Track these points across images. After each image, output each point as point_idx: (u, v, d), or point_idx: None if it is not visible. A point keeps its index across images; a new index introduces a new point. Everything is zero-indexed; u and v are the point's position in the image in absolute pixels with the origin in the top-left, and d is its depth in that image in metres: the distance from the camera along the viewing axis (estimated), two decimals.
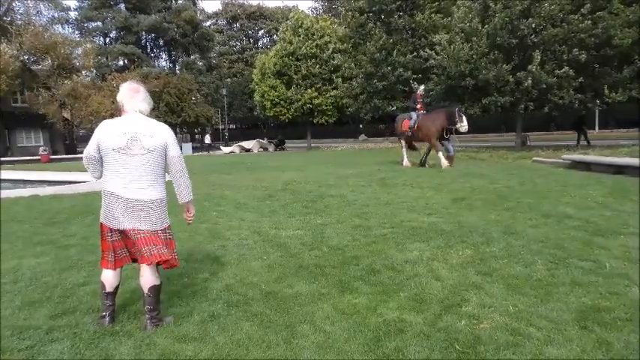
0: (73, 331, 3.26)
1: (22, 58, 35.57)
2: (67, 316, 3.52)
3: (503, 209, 6.73)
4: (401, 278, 4.09)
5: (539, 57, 17.72)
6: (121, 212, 3.21)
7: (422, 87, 15.60)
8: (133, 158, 3.18)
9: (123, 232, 3.28)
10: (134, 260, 3.43)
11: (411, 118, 13.84)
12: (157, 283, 3.33)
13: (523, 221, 5.94)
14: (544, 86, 17.81)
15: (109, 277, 3.36)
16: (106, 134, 3.20)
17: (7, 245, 5.74)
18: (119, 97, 3.35)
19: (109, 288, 3.37)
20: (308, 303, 3.62)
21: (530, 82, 17.68)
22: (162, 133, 3.29)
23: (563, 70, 17.41)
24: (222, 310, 3.55)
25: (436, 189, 8.88)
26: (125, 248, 3.38)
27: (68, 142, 43.85)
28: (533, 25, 17.92)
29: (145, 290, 3.29)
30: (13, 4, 38.79)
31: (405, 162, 14.24)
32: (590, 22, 16.82)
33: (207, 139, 43.47)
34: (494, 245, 4.91)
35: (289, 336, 3.08)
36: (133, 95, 3.32)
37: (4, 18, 37.90)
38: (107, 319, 3.33)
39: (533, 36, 17.96)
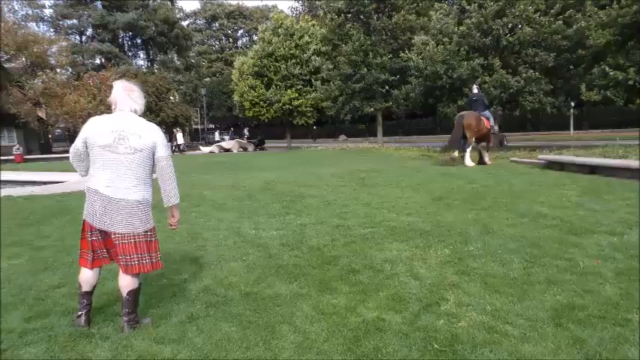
0: (48, 334, 3.20)
1: None
2: (42, 318, 3.46)
3: (480, 209, 6.81)
4: (380, 278, 4.11)
5: (499, 63, 17.97)
6: (100, 210, 3.16)
7: (475, 85, 15.69)
8: (118, 157, 3.14)
9: (104, 233, 3.23)
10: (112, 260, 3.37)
11: (489, 118, 13.80)
12: (136, 286, 3.29)
13: (500, 220, 6.03)
14: (512, 90, 18.07)
15: (87, 276, 3.32)
16: (93, 130, 3.17)
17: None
18: (112, 95, 3.33)
19: (86, 287, 3.32)
20: (287, 303, 3.61)
21: (494, 90, 17.94)
22: (152, 134, 3.26)
23: (529, 73, 17.66)
24: (201, 311, 3.53)
25: (415, 189, 8.94)
26: (105, 249, 3.31)
27: (43, 141, 43.03)
28: (510, 25, 18.18)
29: (124, 293, 3.25)
30: None
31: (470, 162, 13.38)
32: (561, 22, 17.11)
33: (180, 139, 41.52)
34: (472, 244, 4.97)
35: (268, 336, 3.07)
36: (126, 94, 3.30)
37: None
38: (83, 318, 3.28)
39: (508, 36, 18.20)
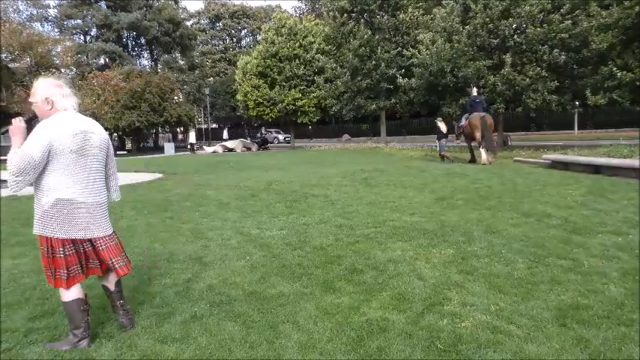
0: (52, 333, 3.22)
1: None
2: (46, 318, 3.47)
3: (484, 208, 6.80)
4: (384, 278, 4.10)
5: (510, 60, 17.94)
6: (86, 220, 2.98)
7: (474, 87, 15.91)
8: (87, 159, 2.98)
9: (89, 243, 3.05)
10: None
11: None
12: (120, 275, 3.20)
13: (504, 220, 6.01)
14: (518, 88, 18.03)
15: (80, 291, 3.07)
16: (58, 135, 2.85)
17: None
18: (45, 94, 2.97)
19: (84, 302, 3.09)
20: (291, 303, 3.61)
21: (500, 85, 17.91)
22: (102, 130, 3.16)
23: (536, 71, 17.63)
24: (205, 310, 3.53)
25: (418, 189, 8.93)
26: (91, 259, 3.11)
27: None
28: (514, 26, 18.15)
29: (113, 288, 3.21)
30: None
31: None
32: (570, 22, 17.08)
33: (192, 138, 42.23)
34: (476, 244, 4.96)
35: (272, 336, 3.07)
36: (62, 91, 3.02)
37: None
38: (88, 339, 3.07)
39: (515, 36, 18.16)
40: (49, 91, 2.99)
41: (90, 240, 3.03)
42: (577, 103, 19.89)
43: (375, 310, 3.42)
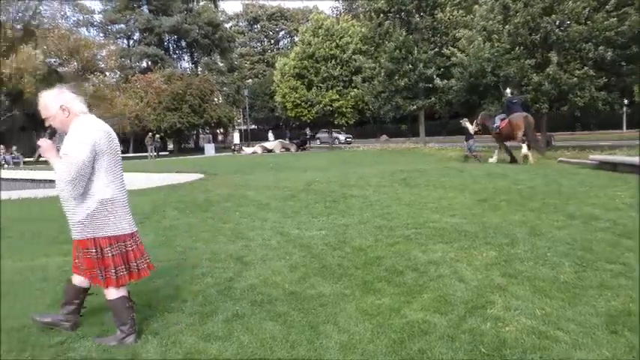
0: (100, 329, 3.31)
1: (48, 60, 36.37)
2: (95, 314, 3.57)
3: (527, 210, 6.64)
4: (424, 279, 4.06)
5: (555, 59, 17.43)
6: (125, 214, 3.12)
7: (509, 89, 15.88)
8: (116, 157, 3.11)
9: (132, 236, 3.17)
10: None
11: None
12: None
13: (548, 222, 5.85)
14: (564, 87, 17.51)
15: (124, 288, 3.16)
16: (97, 136, 2.96)
17: (35, 243, 5.86)
18: (58, 103, 3.02)
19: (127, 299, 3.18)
20: (331, 303, 3.62)
21: (546, 85, 17.44)
22: None
23: (583, 70, 17.06)
24: (247, 309, 3.57)
25: (459, 189, 8.79)
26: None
27: None
28: (557, 22, 17.63)
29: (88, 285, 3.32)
30: (40, 8, 39.65)
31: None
32: (615, 19, 16.46)
33: (236, 139, 42.90)
34: (519, 247, 4.85)
35: (313, 336, 3.08)
36: (69, 96, 3.08)
37: (32, 22, 38.78)
38: (135, 335, 3.14)
39: (557, 30, 17.63)
40: (59, 99, 3.04)
41: (132, 234, 3.15)
42: (625, 101, 19.14)
43: (416, 312, 3.39)
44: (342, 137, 46.24)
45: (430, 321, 3.23)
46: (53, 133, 3.10)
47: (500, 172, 11.13)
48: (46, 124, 3.07)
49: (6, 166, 26.50)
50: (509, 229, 5.58)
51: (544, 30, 17.63)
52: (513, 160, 13.94)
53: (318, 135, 41.14)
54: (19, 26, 37.49)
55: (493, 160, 14.30)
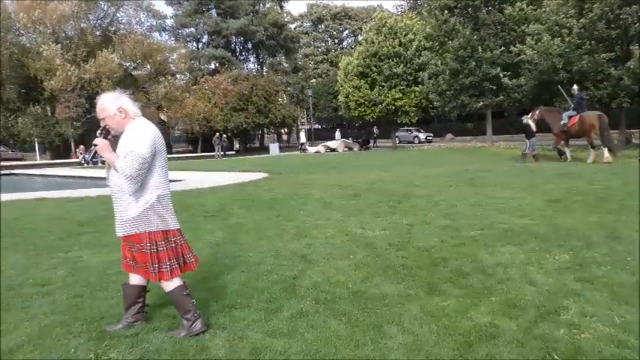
0: (171, 322, 3.45)
1: (124, 64, 38.29)
2: (168, 307, 3.69)
3: (604, 212, 6.29)
4: (492, 282, 3.94)
5: (638, 52, 16.36)
6: (172, 210, 3.31)
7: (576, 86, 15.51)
8: (165, 156, 3.28)
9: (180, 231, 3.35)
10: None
11: None
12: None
13: (628, 225, 5.51)
14: None
15: (178, 279, 3.27)
16: (158, 137, 3.19)
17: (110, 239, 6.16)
18: (116, 105, 3.20)
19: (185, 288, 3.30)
20: (395, 304, 3.58)
21: (626, 79, 16.41)
22: None
23: None
24: (311, 307, 3.60)
25: (528, 190, 8.47)
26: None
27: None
28: (639, 14, 16.56)
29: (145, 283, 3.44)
30: (117, 15, 41.79)
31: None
32: None
33: (302, 138, 43.54)
34: (596, 250, 4.60)
35: (377, 336, 3.06)
36: (127, 99, 3.26)
37: (110, 28, 40.97)
38: (201, 319, 3.25)
39: (637, 25, 16.57)
40: (118, 102, 3.22)
41: (179, 230, 3.32)
42: None
43: (484, 316, 3.29)
44: (422, 136, 45.01)
45: (498, 325, 3.13)
46: (107, 133, 3.26)
47: (574, 171, 10.62)
48: (101, 125, 3.25)
49: (86, 165, 28.11)
50: (584, 232, 5.31)
51: (624, 22, 16.61)
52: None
53: (397, 133, 40.39)
54: (98, 33, 39.67)
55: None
